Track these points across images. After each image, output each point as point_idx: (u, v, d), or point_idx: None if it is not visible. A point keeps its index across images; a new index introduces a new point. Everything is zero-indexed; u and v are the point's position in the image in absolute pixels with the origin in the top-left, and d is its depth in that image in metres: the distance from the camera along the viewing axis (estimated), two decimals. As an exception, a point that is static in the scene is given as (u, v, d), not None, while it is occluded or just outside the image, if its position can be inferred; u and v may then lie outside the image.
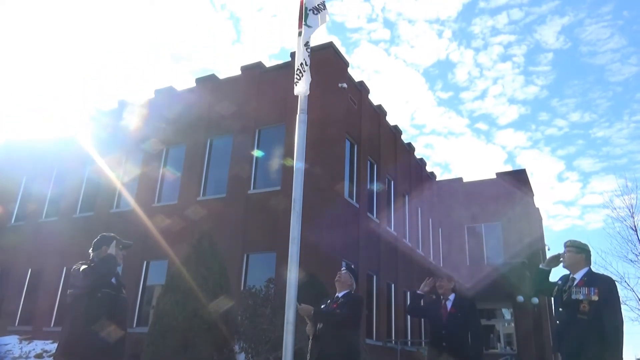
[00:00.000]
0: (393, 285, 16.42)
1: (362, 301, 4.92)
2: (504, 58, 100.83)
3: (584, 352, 3.82)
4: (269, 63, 17.22)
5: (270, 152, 14.09)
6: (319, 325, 4.53)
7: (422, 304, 5.42)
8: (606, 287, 3.92)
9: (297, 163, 4.11)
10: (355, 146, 14.98)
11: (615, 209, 16.52)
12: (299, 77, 4.28)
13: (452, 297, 5.16)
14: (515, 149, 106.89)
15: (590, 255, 4.20)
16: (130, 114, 17.10)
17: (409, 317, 16.89)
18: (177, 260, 10.49)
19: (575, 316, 3.90)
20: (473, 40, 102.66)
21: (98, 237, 4.21)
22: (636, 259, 15.33)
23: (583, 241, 4.23)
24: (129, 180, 16.32)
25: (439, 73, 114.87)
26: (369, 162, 15.85)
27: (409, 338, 17.24)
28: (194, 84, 16.36)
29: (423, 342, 16.95)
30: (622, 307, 4.15)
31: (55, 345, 9.09)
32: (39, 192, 18.41)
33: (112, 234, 4.24)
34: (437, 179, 25.19)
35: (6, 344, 13.91)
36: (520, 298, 20.92)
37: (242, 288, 11.73)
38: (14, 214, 19.03)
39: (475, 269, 22.62)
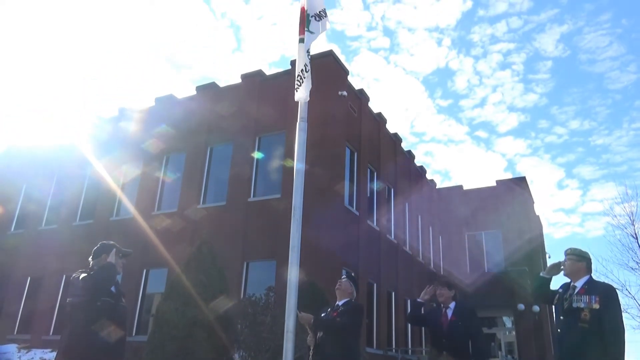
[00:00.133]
0: (393, 293, 16.37)
1: (362, 309, 4.90)
2: (504, 66, 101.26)
3: (585, 361, 3.79)
4: (269, 71, 17.34)
5: (271, 159, 14.11)
6: (320, 334, 4.51)
7: (422, 312, 5.40)
8: (607, 295, 3.91)
9: (297, 170, 4.11)
10: (356, 153, 14.99)
11: (615, 216, 16.47)
12: (299, 83, 4.29)
13: (452, 305, 5.13)
14: (515, 156, 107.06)
15: (590, 263, 4.19)
16: (130, 122, 17.15)
17: (409, 325, 16.82)
18: (177, 268, 10.46)
19: (576, 324, 3.89)
20: (472, 49, 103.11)
21: (98, 245, 4.20)
22: (637, 266, 15.28)
23: (584, 249, 4.23)
24: (129, 188, 16.33)
25: (438, 81, 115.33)
26: (369, 170, 15.86)
27: (410, 346, 17.15)
28: (194, 92, 16.41)
29: (424, 351, 16.88)
30: (623, 315, 4.13)
31: (54, 354, 9.04)
32: (39, 199, 18.42)
33: (112, 242, 4.24)
34: (437, 187, 25.19)
35: (5, 353, 13.84)
36: (521, 306, 20.86)
37: (242, 296, 11.69)
38: (14, 221, 19.02)
39: (475, 276, 22.57)
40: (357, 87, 15.87)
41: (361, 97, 15.97)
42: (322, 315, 4.69)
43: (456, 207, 25.33)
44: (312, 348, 4.55)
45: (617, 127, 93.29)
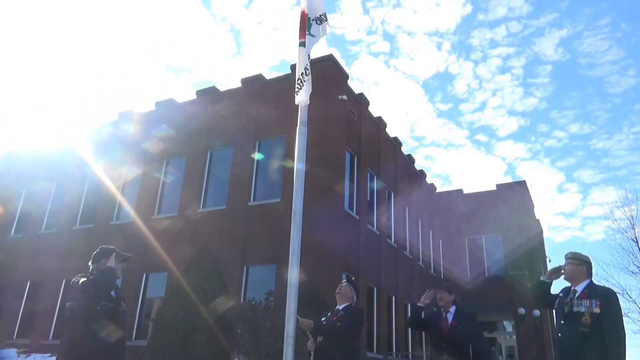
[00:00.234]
0: (394, 297, 16.34)
1: (362, 314, 4.89)
2: (503, 70, 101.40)
3: (586, 365, 3.78)
4: (269, 75, 17.36)
5: (271, 163, 14.12)
6: (320, 339, 4.50)
7: (423, 316, 5.39)
8: (608, 300, 3.89)
9: (297, 174, 4.10)
10: (356, 157, 15.00)
11: (615, 220, 16.47)
12: (299, 87, 4.29)
13: (453, 309, 5.12)
14: (515, 160, 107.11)
15: (591, 267, 4.18)
16: (130, 126, 17.17)
17: (409, 329, 16.79)
18: (176, 272, 10.46)
19: (576, 329, 3.87)
20: (472, 53, 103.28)
21: (98, 250, 4.19)
22: (638, 270, 15.23)
23: (584, 253, 4.21)
24: (129, 192, 16.33)
25: (438, 85, 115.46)
26: (369, 174, 15.86)
27: (410, 351, 17.11)
28: (194, 96, 16.43)
29: (424, 355, 16.84)
30: (624, 319, 4.12)
31: (54, 359, 9.03)
32: (39, 203, 18.41)
33: (112, 247, 4.23)
34: (437, 191, 25.18)
35: (4, 357, 13.80)
36: (521, 310, 20.81)
37: (242, 300, 11.67)
38: (14, 225, 19.00)
39: (476, 280, 22.53)
40: (357, 91, 15.89)
41: (361, 101, 15.99)
42: (323, 319, 4.68)
43: (456, 210, 25.31)
44: (312, 353, 4.54)
45: (616, 130, 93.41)
